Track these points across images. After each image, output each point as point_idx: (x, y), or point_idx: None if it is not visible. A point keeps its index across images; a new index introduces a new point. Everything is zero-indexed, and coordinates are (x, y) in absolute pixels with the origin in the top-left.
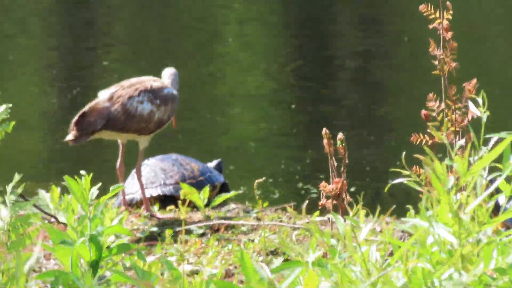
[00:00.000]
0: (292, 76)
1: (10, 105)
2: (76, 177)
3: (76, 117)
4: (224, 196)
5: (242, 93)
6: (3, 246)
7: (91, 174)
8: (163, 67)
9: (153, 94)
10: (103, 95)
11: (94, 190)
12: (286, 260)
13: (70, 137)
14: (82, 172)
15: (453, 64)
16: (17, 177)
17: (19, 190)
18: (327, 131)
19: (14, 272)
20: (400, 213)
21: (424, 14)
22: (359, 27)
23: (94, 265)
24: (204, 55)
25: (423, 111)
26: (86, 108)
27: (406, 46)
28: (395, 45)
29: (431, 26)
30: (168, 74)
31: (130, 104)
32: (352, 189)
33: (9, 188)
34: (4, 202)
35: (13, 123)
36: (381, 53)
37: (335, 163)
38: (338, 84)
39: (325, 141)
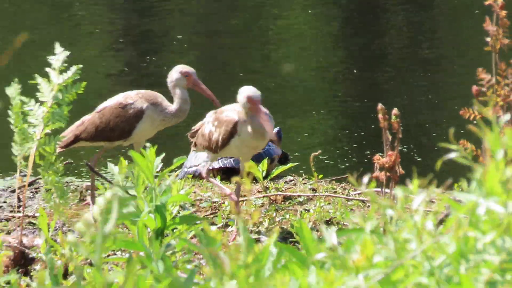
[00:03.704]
0: (349, 52)
1: (81, 66)
2: (141, 149)
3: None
4: (281, 168)
5: (303, 67)
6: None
7: (155, 146)
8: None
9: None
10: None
11: (158, 162)
12: (340, 229)
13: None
14: (147, 144)
15: (506, 41)
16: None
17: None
18: (383, 106)
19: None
20: (452, 185)
21: None
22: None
23: (160, 234)
24: (255, 31)
25: (474, 87)
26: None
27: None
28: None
29: (486, 3)
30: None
31: None
32: (405, 162)
33: (116, 168)
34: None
35: (84, 83)
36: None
37: (389, 137)
38: (392, 59)
39: (380, 115)
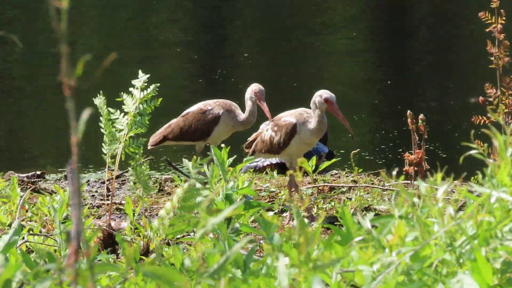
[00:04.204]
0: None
1: (158, 84)
2: (216, 148)
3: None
4: (327, 163)
5: (344, 78)
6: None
7: (228, 148)
8: None
9: None
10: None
11: (230, 160)
12: (376, 215)
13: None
14: (222, 145)
15: (506, 59)
16: (204, 160)
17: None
18: (411, 112)
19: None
20: (468, 178)
21: (482, 19)
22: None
23: (228, 218)
24: (300, 28)
25: (481, 98)
26: None
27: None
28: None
29: (487, 30)
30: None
31: None
32: (430, 158)
33: (191, 165)
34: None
35: (160, 99)
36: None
37: (417, 137)
38: (422, 65)
39: (409, 120)
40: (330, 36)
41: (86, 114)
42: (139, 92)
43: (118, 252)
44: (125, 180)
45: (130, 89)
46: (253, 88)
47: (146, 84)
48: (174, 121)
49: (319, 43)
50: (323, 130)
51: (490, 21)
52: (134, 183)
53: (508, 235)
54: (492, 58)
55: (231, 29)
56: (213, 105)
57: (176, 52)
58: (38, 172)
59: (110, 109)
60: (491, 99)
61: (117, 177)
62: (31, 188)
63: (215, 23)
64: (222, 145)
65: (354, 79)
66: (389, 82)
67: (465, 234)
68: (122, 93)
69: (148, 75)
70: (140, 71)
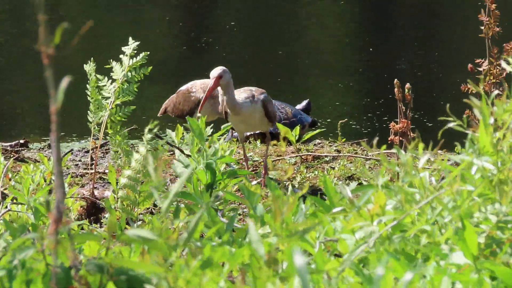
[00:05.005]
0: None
1: (148, 52)
2: (194, 119)
3: None
4: (311, 133)
5: (332, 50)
6: (139, 173)
7: (205, 116)
8: None
9: None
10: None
11: (208, 129)
12: (359, 184)
13: None
14: (199, 114)
15: (496, 29)
16: (155, 122)
17: (154, 130)
18: (398, 81)
19: (150, 192)
20: (450, 148)
21: None
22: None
23: (210, 187)
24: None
25: (470, 65)
26: None
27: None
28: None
29: None
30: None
31: None
32: (417, 128)
33: (146, 129)
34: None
35: (150, 68)
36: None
37: (403, 107)
38: (407, 39)
39: (395, 89)
40: (317, 2)
41: (65, 82)
42: (128, 59)
43: (102, 221)
44: (109, 149)
45: (120, 56)
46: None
47: (135, 51)
48: (173, 95)
49: (304, 9)
50: (237, 107)
51: None
52: (115, 152)
53: (491, 208)
54: (482, 27)
55: None
56: (197, 87)
57: (163, 17)
58: (22, 141)
59: (98, 76)
60: (480, 68)
61: (101, 146)
62: (14, 157)
63: None
64: (199, 114)
65: (339, 47)
66: (371, 49)
67: (444, 206)
68: (111, 60)
69: (137, 42)
70: (130, 38)
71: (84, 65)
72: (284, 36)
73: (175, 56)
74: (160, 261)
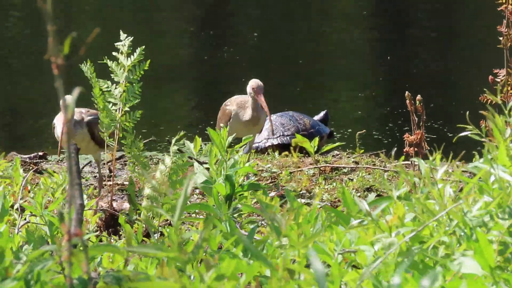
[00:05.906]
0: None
1: (143, 46)
2: (216, 129)
3: None
4: (330, 145)
5: (350, 64)
6: (165, 184)
7: (228, 127)
8: None
9: None
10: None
11: (230, 139)
12: (378, 195)
13: None
14: (221, 124)
15: None
16: (182, 134)
17: (178, 142)
18: (409, 93)
19: (174, 203)
20: (468, 158)
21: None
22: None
23: (229, 199)
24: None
25: (490, 77)
26: None
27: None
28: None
29: (498, 9)
30: None
31: None
32: (429, 139)
33: (173, 141)
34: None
35: (148, 61)
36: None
37: (416, 118)
38: (421, 50)
39: (407, 101)
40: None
41: (76, 92)
42: (125, 58)
43: (121, 233)
44: (127, 161)
45: (114, 53)
46: (251, 84)
47: (131, 48)
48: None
49: (324, 22)
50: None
51: (501, 1)
52: (132, 163)
53: (502, 214)
54: (501, 38)
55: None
56: (232, 101)
57: (182, 25)
58: (40, 153)
59: (100, 80)
60: (497, 79)
61: (120, 157)
62: (33, 169)
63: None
64: (221, 124)
65: (358, 55)
66: (388, 57)
67: (458, 218)
68: (105, 57)
69: (131, 38)
70: (121, 32)
71: (82, 66)
72: (304, 46)
73: (197, 66)
74: (175, 275)
